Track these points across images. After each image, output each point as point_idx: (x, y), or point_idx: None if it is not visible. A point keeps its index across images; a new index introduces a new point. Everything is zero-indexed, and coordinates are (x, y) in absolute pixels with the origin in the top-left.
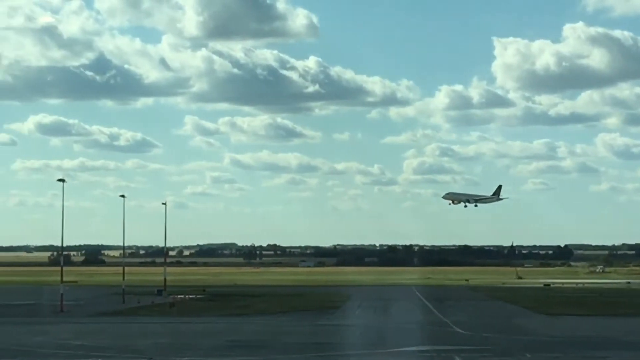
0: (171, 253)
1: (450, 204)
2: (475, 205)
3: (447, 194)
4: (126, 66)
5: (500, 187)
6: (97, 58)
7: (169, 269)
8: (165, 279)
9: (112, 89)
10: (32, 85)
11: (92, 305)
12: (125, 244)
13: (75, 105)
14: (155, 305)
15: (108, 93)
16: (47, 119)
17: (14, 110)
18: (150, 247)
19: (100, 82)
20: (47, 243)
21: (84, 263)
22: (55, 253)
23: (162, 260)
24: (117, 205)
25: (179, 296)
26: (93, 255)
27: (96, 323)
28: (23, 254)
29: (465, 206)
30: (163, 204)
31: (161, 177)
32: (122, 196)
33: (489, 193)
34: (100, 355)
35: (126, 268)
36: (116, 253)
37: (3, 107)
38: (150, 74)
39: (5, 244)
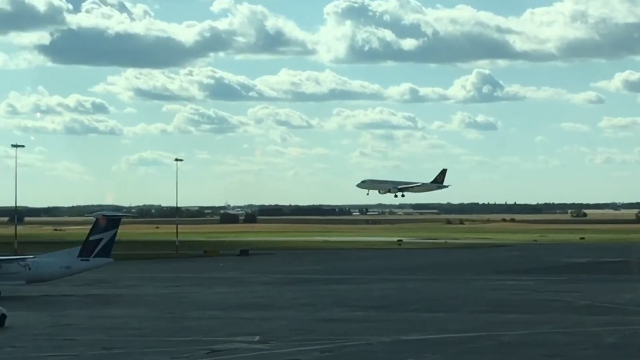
0: None
1: (367, 193)
2: (403, 195)
3: (363, 182)
4: None
5: (444, 171)
6: None
7: None
8: None
9: None
10: (619, 43)
11: None
12: None
13: None
14: None
15: None
16: (633, 76)
17: (601, 68)
18: None
19: None
20: (633, 200)
21: None
22: None
23: None
24: None
25: None
26: None
27: None
28: (610, 211)
29: (395, 196)
30: None
31: None
32: None
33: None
34: None
35: None
36: None
37: (590, 65)
38: None
39: (592, 202)
